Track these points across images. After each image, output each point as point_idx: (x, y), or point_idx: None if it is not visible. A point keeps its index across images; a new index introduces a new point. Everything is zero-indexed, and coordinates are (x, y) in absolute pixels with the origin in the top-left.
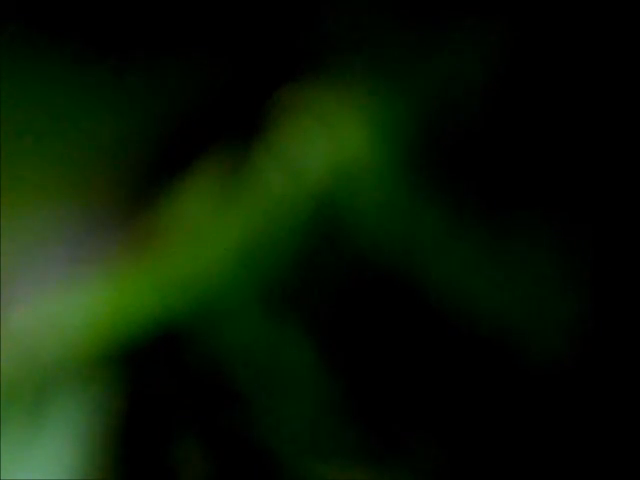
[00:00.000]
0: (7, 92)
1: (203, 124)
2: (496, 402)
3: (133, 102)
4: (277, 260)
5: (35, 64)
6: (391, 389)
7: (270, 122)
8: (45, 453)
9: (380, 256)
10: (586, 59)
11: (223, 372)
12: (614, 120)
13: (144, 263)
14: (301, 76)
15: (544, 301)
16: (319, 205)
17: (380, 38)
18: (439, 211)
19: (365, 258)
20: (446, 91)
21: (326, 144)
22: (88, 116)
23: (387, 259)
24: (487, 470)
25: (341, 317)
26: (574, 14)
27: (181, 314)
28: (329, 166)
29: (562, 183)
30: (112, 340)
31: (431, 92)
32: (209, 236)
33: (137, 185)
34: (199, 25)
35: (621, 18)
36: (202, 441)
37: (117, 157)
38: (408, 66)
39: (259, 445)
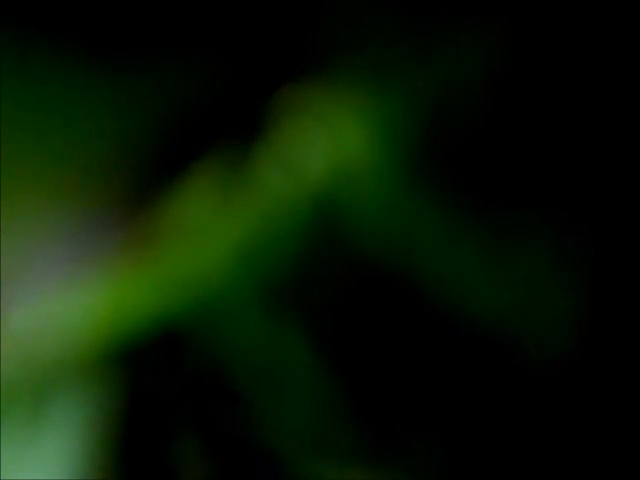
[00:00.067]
0: (7, 92)
1: (203, 124)
2: (496, 402)
3: (133, 102)
4: (277, 260)
5: (35, 64)
6: (391, 389)
7: (270, 122)
8: (45, 453)
9: (380, 256)
10: (586, 59)
11: (223, 372)
12: (614, 120)
13: (144, 263)
14: (301, 76)
15: (544, 301)
16: (319, 205)
17: (380, 38)
18: (439, 211)
19: (365, 258)
20: (446, 91)
21: (326, 144)
22: (88, 116)
23: (387, 259)
24: (487, 470)
25: (341, 317)
26: (573, 14)
27: (181, 314)
28: (329, 166)
29: (562, 183)
30: (112, 340)
31: (431, 92)
32: (209, 236)
33: (137, 185)
34: (199, 25)
35: (621, 18)
36: (202, 441)
37: (117, 157)
38: (408, 66)
39: (259, 445)
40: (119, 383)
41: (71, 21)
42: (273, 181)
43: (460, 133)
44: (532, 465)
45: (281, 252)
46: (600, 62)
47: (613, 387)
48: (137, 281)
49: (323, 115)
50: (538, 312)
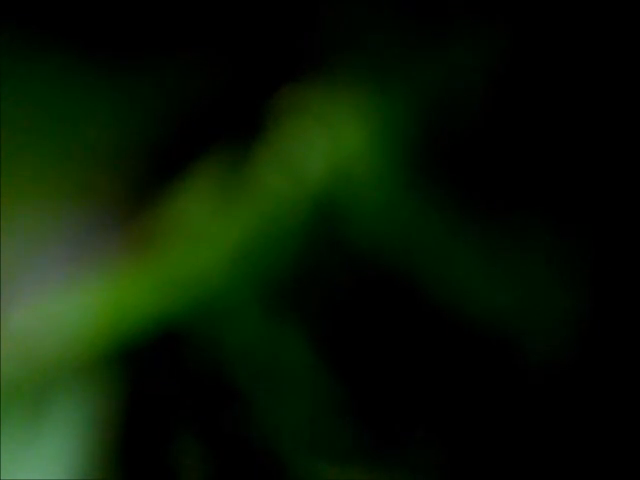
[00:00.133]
0: (7, 92)
1: (203, 124)
2: (496, 402)
3: (133, 102)
4: (277, 260)
5: (35, 64)
6: (391, 389)
7: (270, 122)
8: (45, 453)
9: (380, 256)
10: (586, 59)
11: (223, 372)
12: (614, 120)
13: (144, 263)
14: (301, 76)
15: (544, 301)
16: (319, 205)
17: (380, 38)
18: (439, 211)
19: (365, 258)
20: (446, 91)
21: (326, 144)
22: (88, 116)
23: (387, 259)
24: (487, 470)
25: (341, 317)
26: (573, 14)
27: (181, 314)
28: (329, 166)
29: (561, 183)
30: (112, 340)
31: (431, 92)
32: (209, 236)
33: (137, 185)
34: (199, 25)
35: (621, 18)
36: (202, 441)
37: (117, 157)
38: (408, 66)
39: (259, 445)
40: (119, 383)
41: (71, 21)
42: (273, 181)
43: (460, 133)
44: (532, 465)
45: (281, 252)
46: (600, 62)
47: (613, 387)
48: (137, 281)
49: (323, 115)
50: (538, 312)
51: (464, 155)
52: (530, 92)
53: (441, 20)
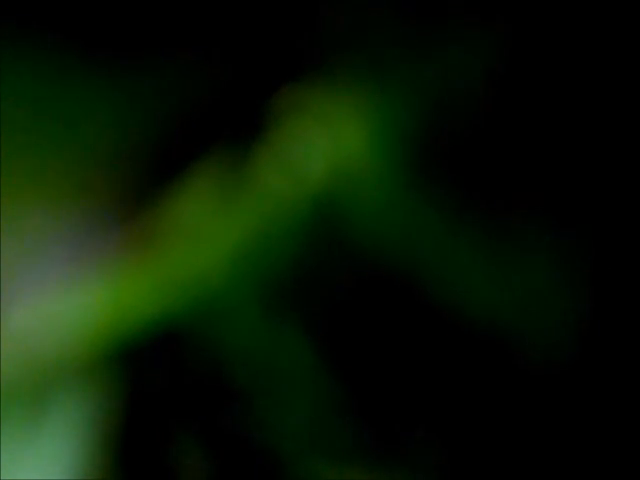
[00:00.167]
0: (7, 92)
1: (203, 124)
2: (496, 402)
3: (133, 102)
4: (277, 260)
5: (35, 64)
6: (391, 389)
7: (270, 122)
8: (45, 453)
9: (380, 256)
10: (585, 59)
11: (223, 372)
12: (614, 121)
13: (144, 263)
14: (301, 76)
15: (543, 301)
16: (319, 205)
17: (380, 38)
18: (439, 211)
19: (365, 258)
20: (446, 91)
21: (326, 144)
22: (88, 116)
23: (387, 259)
24: (487, 470)
25: (341, 317)
26: (573, 14)
27: (181, 314)
28: (329, 166)
29: (561, 183)
30: (112, 340)
31: (431, 92)
32: (209, 236)
33: (137, 185)
34: (199, 25)
35: (621, 18)
36: (202, 441)
37: (117, 157)
38: (408, 66)
39: (259, 445)
40: (119, 383)
41: (71, 21)
42: (273, 181)
43: (460, 133)
44: (532, 465)
45: (281, 252)
46: (600, 63)
47: (613, 387)
48: (137, 281)
49: (323, 115)
50: (538, 312)
51: (464, 155)
52: (529, 92)
53: (441, 20)
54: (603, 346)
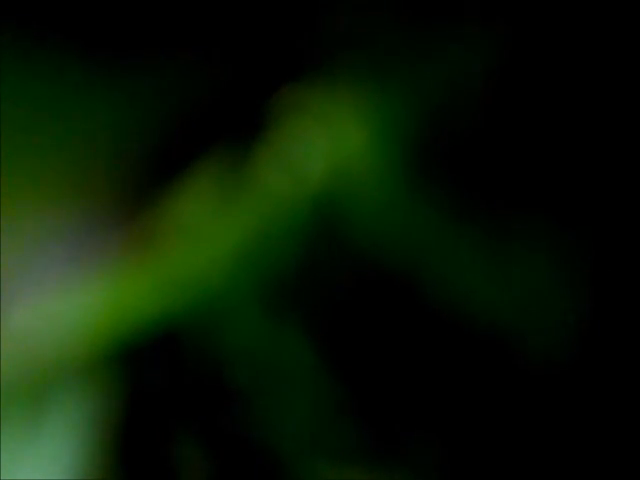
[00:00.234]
0: (7, 92)
1: (203, 124)
2: (496, 402)
3: (133, 102)
4: (277, 260)
5: (35, 64)
6: (391, 389)
7: (270, 122)
8: (45, 453)
9: (380, 256)
10: (586, 59)
11: (223, 372)
12: (614, 121)
13: (144, 263)
14: (301, 76)
15: (543, 301)
16: (319, 205)
17: (380, 38)
18: (439, 211)
19: (365, 258)
20: (446, 91)
21: (326, 144)
22: (88, 116)
23: (387, 259)
24: (487, 470)
25: (341, 317)
26: (573, 15)
27: (181, 314)
28: (329, 166)
29: (561, 183)
30: (112, 340)
31: (431, 92)
32: (209, 236)
33: (137, 185)
34: (199, 25)
35: (621, 19)
36: (202, 441)
37: (117, 157)
38: (408, 66)
39: (259, 445)
40: (119, 383)
41: (71, 21)
42: (273, 181)
43: (460, 133)
44: (532, 465)
45: (281, 252)
46: (600, 63)
47: (613, 387)
48: (137, 281)
49: (323, 115)
50: (538, 312)
51: (464, 155)
52: (530, 92)
53: (441, 20)
54: (603, 346)
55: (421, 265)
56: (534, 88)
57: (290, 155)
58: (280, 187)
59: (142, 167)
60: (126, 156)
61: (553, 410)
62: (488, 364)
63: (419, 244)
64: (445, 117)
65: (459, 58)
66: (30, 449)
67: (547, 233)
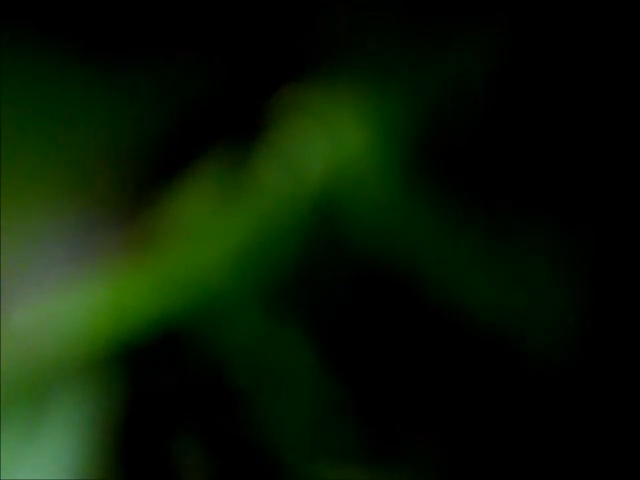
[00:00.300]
0: (7, 92)
1: (203, 124)
2: (496, 402)
3: (133, 102)
4: (277, 260)
5: (35, 64)
6: (391, 389)
7: (270, 122)
8: (45, 453)
9: (380, 256)
10: (586, 60)
11: (223, 372)
12: (614, 120)
13: (144, 263)
14: (301, 76)
15: (544, 301)
16: (319, 205)
17: (380, 38)
18: (439, 211)
19: (365, 258)
20: (446, 91)
21: (326, 144)
22: (88, 116)
23: (387, 259)
24: (487, 470)
25: (341, 317)
26: (573, 15)
27: (181, 314)
28: (329, 166)
29: (562, 183)
30: (112, 340)
31: (431, 92)
32: (209, 236)
33: (137, 185)
34: (199, 25)
35: (621, 18)
36: (202, 441)
37: (117, 157)
38: (408, 66)
39: (259, 445)
40: (119, 383)
41: (71, 21)
42: (273, 181)
43: (460, 133)
44: (532, 465)
45: (281, 252)
46: (600, 62)
47: (613, 387)
48: (137, 281)
49: (323, 115)
50: (538, 312)
51: (464, 155)
52: (530, 92)
53: (441, 20)
54: (603, 346)
55: (421, 265)
56: (534, 89)
57: (290, 155)
58: (280, 187)
59: (142, 167)
60: (126, 156)
61: (553, 410)
62: (488, 364)
63: (419, 244)
64: (445, 117)
65: (459, 58)
66: (30, 449)
67: (547, 233)
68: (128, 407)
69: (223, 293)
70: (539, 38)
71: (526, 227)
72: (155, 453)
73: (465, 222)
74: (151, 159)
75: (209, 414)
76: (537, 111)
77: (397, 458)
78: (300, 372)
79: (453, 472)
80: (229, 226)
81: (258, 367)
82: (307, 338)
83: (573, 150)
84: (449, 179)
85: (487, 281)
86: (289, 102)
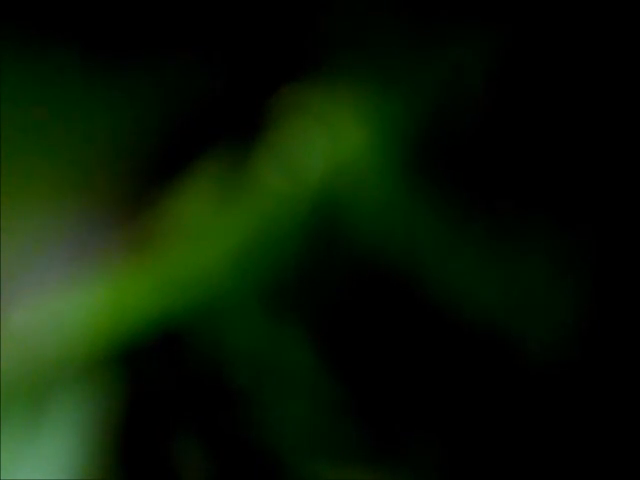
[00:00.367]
0: (7, 92)
1: (203, 124)
2: (496, 402)
3: (133, 102)
4: (277, 260)
5: (35, 64)
6: (391, 389)
7: (270, 122)
8: (45, 453)
9: (380, 256)
10: (586, 60)
11: (223, 372)
12: (614, 120)
13: (144, 263)
14: (301, 76)
15: (544, 301)
16: (319, 205)
17: (380, 38)
18: (439, 211)
19: (365, 258)
20: (446, 91)
21: (326, 144)
22: (88, 116)
23: (387, 259)
24: (487, 470)
25: (341, 317)
26: (574, 15)
27: (181, 314)
28: (329, 166)
29: (562, 183)
30: (112, 340)
31: (431, 92)
32: (209, 236)
33: (137, 185)
34: (199, 25)
35: (621, 19)
36: (202, 441)
37: (117, 157)
38: (408, 66)
39: (259, 445)
40: (119, 383)
41: (71, 21)
42: (273, 181)
43: (460, 133)
44: (532, 465)
45: (281, 252)
46: (600, 63)
47: (613, 387)
48: (137, 281)
49: (323, 115)
50: (538, 312)
51: (464, 155)
52: (530, 92)
53: (441, 20)
54: (603, 346)
55: (421, 265)
56: (534, 88)
57: (290, 155)
58: (280, 187)
59: (142, 167)
60: (126, 156)
61: (553, 410)
62: (488, 364)
63: (419, 244)
64: (445, 117)
65: (459, 58)
66: (30, 449)
67: (547, 233)
68: (128, 407)
69: (223, 293)
70: (539, 38)
71: (526, 227)
72: (155, 453)
73: (465, 222)
74: (151, 159)
75: (209, 414)
76: (537, 111)
77: (397, 458)
78: (300, 372)
79: (453, 472)
80: (229, 226)
81: (258, 367)
82: (307, 338)
83: (573, 150)
84: (449, 179)
85: (487, 281)
86: (289, 102)
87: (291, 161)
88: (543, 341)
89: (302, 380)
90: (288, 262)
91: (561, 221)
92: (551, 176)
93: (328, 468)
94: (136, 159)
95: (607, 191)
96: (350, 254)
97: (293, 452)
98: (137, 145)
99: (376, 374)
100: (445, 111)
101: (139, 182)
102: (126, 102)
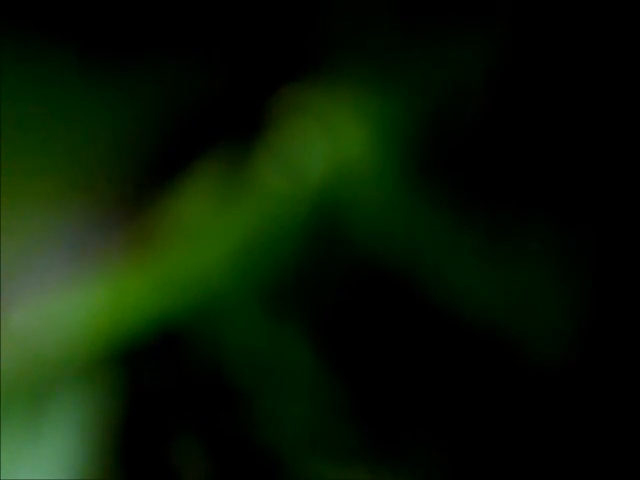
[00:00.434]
0: (7, 92)
1: (203, 124)
2: (496, 402)
3: (133, 102)
4: (277, 260)
5: (35, 64)
6: (391, 389)
7: (270, 122)
8: (45, 453)
9: (380, 256)
10: (586, 59)
11: (223, 372)
12: (614, 120)
13: (144, 263)
14: (301, 76)
15: (544, 301)
16: (319, 205)
17: (380, 38)
18: (439, 211)
19: (365, 258)
20: (446, 91)
21: (326, 144)
22: (88, 116)
23: (387, 259)
24: (487, 470)
25: (341, 317)
26: (573, 14)
27: (181, 314)
28: (329, 166)
29: (562, 183)
30: (112, 340)
31: (431, 92)
32: (209, 236)
33: (137, 185)
34: (199, 25)
35: (621, 18)
36: (202, 441)
37: (117, 157)
38: (408, 66)
39: (259, 445)
40: (119, 383)
41: (71, 21)
42: (273, 181)
43: (460, 133)
44: (532, 465)
45: (281, 252)
46: (600, 62)
47: (613, 387)
48: (137, 281)
49: (323, 115)
50: (538, 312)
51: (464, 155)
52: (530, 92)
53: (441, 20)
54: (603, 346)
55: (421, 265)
56: (534, 88)
57: (290, 155)
58: (280, 187)
59: (142, 167)
60: (126, 156)
61: (553, 410)
62: (488, 364)
63: (419, 244)
64: (445, 117)
65: (459, 58)
66: (30, 449)
67: (547, 233)
68: (128, 407)
69: (223, 293)
70: (539, 38)
71: (526, 227)
72: (155, 453)
73: (465, 222)
74: (151, 159)
75: (209, 414)
76: (537, 111)
77: (397, 458)
78: (300, 372)
79: (453, 472)
80: (229, 226)
81: (258, 367)
82: (307, 338)
83: (573, 150)
84: (449, 179)
85: (487, 281)
86: (289, 102)
87: (291, 161)
88: (543, 341)
89: (302, 380)
90: (288, 262)
91: (561, 221)
92: (551, 176)
93: (328, 468)
94: (136, 159)
95: (607, 191)
96: (350, 254)
97: (293, 452)
98: (137, 145)
99: (376, 374)
100: (445, 111)
101: (139, 182)
102: (126, 102)
